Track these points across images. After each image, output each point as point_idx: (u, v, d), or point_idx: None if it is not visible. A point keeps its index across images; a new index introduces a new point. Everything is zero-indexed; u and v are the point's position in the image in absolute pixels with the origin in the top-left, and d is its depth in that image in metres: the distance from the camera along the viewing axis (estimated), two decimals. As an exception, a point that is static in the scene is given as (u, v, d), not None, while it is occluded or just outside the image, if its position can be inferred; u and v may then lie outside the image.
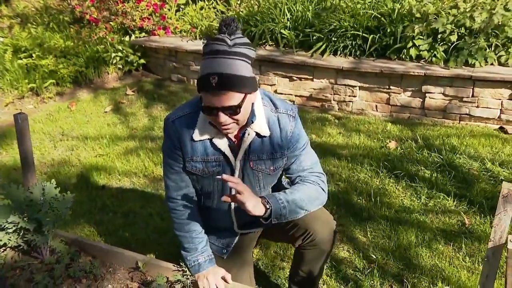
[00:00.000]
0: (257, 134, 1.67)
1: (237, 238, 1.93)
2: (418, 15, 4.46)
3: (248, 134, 1.66)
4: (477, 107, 4.07)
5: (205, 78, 1.45)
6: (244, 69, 1.48)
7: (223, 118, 1.50)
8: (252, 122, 1.63)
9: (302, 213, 1.71)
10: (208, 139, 1.66)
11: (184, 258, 1.81)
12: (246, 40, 1.52)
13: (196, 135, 1.65)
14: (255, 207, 1.55)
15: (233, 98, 1.47)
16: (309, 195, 1.71)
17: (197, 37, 5.74)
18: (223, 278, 1.75)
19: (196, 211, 1.84)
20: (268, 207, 1.59)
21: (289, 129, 1.71)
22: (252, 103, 1.59)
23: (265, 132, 1.67)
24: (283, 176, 1.98)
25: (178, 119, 1.69)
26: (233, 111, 1.49)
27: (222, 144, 1.67)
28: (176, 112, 1.71)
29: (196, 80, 1.53)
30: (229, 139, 1.68)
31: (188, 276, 1.75)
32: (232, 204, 1.81)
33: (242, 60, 1.48)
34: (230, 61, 1.46)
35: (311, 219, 1.77)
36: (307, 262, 1.91)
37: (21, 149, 2.05)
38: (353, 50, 4.67)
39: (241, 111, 1.51)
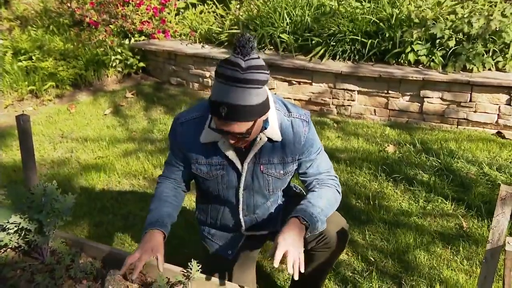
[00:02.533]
0: (269, 139, 1.67)
1: (243, 239, 1.93)
2: (416, 20, 4.49)
3: (260, 139, 1.66)
4: (475, 112, 4.10)
5: (215, 106, 1.46)
6: (255, 97, 1.44)
7: (233, 140, 1.54)
8: (265, 128, 1.63)
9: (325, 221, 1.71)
10: (215, 142, 1.67)
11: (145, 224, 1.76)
12: (260, 62, 1.46)
13: (203, 138, 1.67)
14: (300, 241, 1.54)
15: (243, 127, 1.49)
16: (330, 201, 1.72)
17: (197, 41, 5.76)
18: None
19: (173, 198, 1.83)
20: (306, 224, 1.58)
21: (303, 134, 1.71)
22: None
23: (277, 137, 1.66)
24: (292, 181, 1.97)
25: (186, 122, 1.71)
26: (242, 136, 1.52)
27: (228, 148, 1.67)
28: (187, 114, 1.73)
29: (208, 97, 1.55)
30: None
31: (189, 277, 1.76)
32: (240, 206, 1.81)
33: (254, 88, 1.44)
34: (241, 91, 1.42)
35: (327, 221, 1.76)
36: (315, 263, 1.90)
37: (22, 151, 2.06)
38: (352, 55, 4.70)
39: (251, 134, 1.53)
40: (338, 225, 1.84)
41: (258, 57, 1.47)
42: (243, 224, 1.87)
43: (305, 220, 1.58)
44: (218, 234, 1.95)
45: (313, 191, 1.74)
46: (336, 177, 1.82)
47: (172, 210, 1.80)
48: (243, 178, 1.73)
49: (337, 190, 1.78)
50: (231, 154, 1.68)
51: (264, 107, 1.51)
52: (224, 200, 1.82)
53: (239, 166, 1.71)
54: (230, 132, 1.50)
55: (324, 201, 1.69)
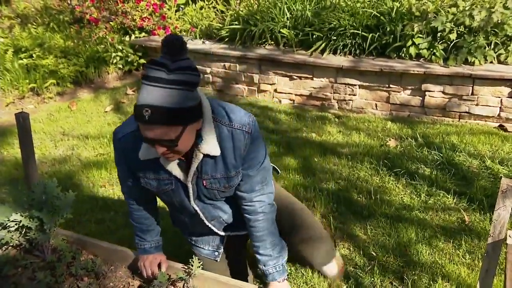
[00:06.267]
0: (206, 155, 1.54)
1: (225, 240, 1.92)
2: (417, 13, 4.47)
3: (196, 156, 1.54)
4: (477, 105, 4.08)
5: (139, 110, 1.32)
6: (182, 100, 1.33)
7: (161, 150, 1.40)
8: (198, 144, 1.50)
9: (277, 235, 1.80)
10: (156, 158, 1.55)
11: (134, 241, 1.86)
12: (190, 63, 1.36)
13: (142, 154, 1.55)
14: None
15: (168, 133, 1.35)
16: (269, 232, 1.76)
17: (197, 37, 5.75)
18: (159, 265, 1.80)
19: (150, 207, 1.84)
20: (282, 279, 1.78)
21: (243, 147, 1.57)
22: (197, 130, 1.46)
23: (215, 152, 1.53)
24: None
25: (124, 137, 1.60)
26: (169, 145, 1.38)
27: (170, 164, 1.56)
28: (124, 128, 1.61)
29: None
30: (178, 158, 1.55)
31: (190, 274, 1.76)
32: (201, 215, 1.76)
33: (181, 89, 1.33)
34: (167, 92, 1.31)
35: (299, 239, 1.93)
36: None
37: (22, 148, 2.06)
38: (352, 49, 4.68)
39: (179, 144, 1.39)
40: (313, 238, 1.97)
41: (188, 58, 1.37)
42: (214, 229, 1.83)
43: (281, 276, 1.75)
44: (200, 239, 1.93)
45: (251, 227, 1.74)
46: (270, 193, 1.73)
47: (154, 229, 1.89)
48: (190, 191, 1.65)
49: (267, 216, 1.73)
50: (174, 170, 1.58)
51: (194, 113, 1.40)
52: (184, 211, 1.77)
53: (184, 181, 1.62)
54: (155, 139, 1.36)
55: (269, 238, 1.76)
